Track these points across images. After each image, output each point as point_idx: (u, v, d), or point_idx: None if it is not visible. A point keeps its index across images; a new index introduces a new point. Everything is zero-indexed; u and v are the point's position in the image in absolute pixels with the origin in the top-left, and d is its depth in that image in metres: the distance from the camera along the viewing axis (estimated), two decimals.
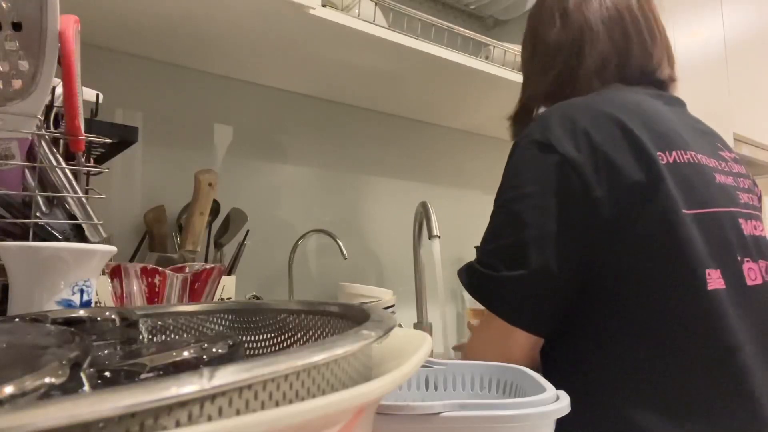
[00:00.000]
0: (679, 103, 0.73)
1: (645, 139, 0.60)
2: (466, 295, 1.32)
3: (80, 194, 0.51)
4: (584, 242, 0.59)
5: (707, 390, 0.55)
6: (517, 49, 1.16)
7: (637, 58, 0.72)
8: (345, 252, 1.05)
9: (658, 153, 0.60)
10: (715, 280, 0.57)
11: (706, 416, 0.54)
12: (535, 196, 0.60)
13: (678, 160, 0.61)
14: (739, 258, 0.60)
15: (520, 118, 0.82)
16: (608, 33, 0.72)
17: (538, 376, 0.43)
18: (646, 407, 0.55)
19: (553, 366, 0.64)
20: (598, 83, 0.71)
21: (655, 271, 0.57)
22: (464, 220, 1.46)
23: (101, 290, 0.56)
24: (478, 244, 0.65)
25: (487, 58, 1.13)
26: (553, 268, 0.58)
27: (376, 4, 0.94)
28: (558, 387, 0.38)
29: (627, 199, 0.58)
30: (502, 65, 1.11)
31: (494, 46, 1.13)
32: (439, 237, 1.02)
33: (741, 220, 0.63)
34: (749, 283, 0.60)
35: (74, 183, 0.51)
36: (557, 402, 0.36)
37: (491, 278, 0.60)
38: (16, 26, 0.44)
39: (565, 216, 0.59)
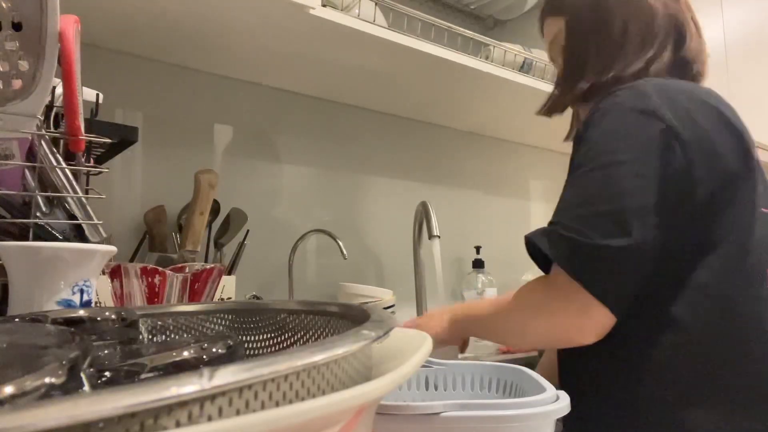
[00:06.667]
0: None
1: (742, 131, 0.59)
2: (467, 295, 1.31)
3: (80, 194, 0.51)
4: (673, 221, 0.55)
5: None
6: (517, 49, 1.16)
7: (691, 51, 0.69)
8: (345, 252, 1.05)
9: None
10: None
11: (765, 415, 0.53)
12: (636, 164, 0.55)
13: (757, 157, 0.61)
14: None
15: (581, 99, 0.71)
16: (670, 19, 0.68)
17: (538, 376, 0.43)
18: (701, 406, 0.53)
19: (591, 361, 0.59)
20: (663, 70, 0.66)
21: (729, 262, 0.55)
22: (464, 220, 1.46)
23: (101, 290, 0.56)
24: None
25: (487, 58, 1.13)
26: (650, 244, 0.53)
27: (376, 4, 0.94)
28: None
29: (722, 187, 0.56)
30: (502, 65, 1.11)
31: (494, 46, 1.13)
32: (439, 237, 1.02)
33: None
34: None
35: (74, 183, 0.51)
36: (557, 402, 0.36)
37: (586, 245, 0.53)
38: (16, 26, 0.44)
39: (664, 189, 0.54)
